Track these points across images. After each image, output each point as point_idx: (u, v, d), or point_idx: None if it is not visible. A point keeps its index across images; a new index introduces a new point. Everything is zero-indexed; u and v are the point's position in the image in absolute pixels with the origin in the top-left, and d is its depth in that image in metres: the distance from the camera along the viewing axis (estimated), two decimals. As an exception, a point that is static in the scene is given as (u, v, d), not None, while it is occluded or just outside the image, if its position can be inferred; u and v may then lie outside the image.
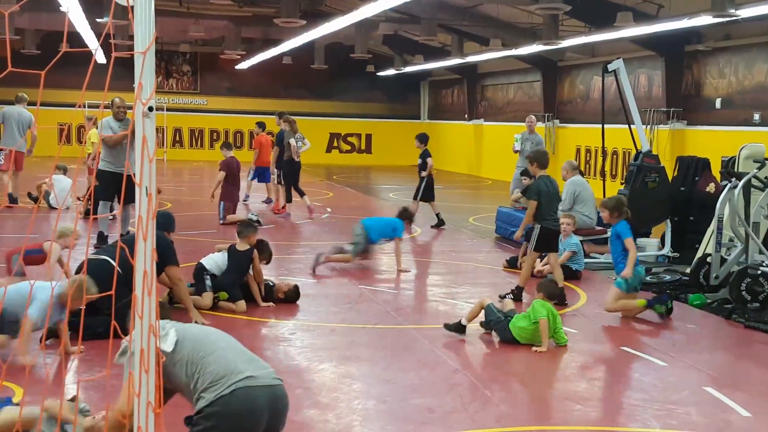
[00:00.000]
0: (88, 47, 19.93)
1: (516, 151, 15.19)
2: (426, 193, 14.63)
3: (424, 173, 14.55)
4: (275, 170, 16.08)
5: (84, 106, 24.50)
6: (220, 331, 4.20)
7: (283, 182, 15.53)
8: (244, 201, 16.51)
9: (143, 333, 2.40)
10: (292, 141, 15.03)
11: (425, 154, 14.59)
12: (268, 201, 16.81)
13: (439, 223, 14.51)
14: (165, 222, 7.71)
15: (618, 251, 8.32)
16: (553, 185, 9.09)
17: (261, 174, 16.66)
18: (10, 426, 4.07)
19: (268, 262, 8.72)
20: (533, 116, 15.48)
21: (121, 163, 10.36)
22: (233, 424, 3.74)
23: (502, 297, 8.39)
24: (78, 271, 6.57)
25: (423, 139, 14.85)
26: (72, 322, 6.24)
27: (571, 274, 10.00)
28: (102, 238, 10.75)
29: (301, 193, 15.16)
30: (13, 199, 14.48)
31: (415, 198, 14.69)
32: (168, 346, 3.76)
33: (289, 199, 15.34)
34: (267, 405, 3.85)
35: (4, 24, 19.99)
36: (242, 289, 8.22)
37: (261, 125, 17.01)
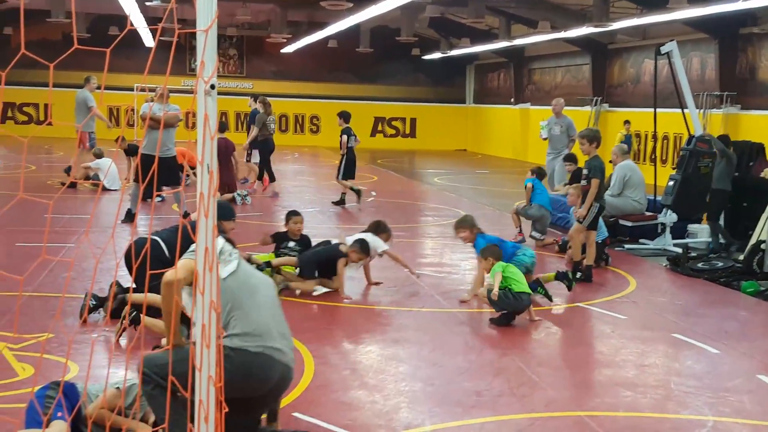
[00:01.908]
0: (137, 30, 20.16)
1: (544, 138, 14.85)
2: (347, 171, 14.61)
3: (342, 151, 14.59)
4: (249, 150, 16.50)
5: (142, 90, 24.72)
6: (273, 294, 4.31)
7: (260, 161, 15.92)
8: (243, 182, 16.72)
9: (204, 308, 2.42)
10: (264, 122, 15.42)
11: (344, 132, 14.61)
12: (244, 181, 16.94)
13: (357, 194, 14.50)
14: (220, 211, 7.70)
15: None
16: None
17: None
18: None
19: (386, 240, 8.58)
20: (561, 99, 15.16)
21: (162, 145, 10.81)
22: (241, 378, 3.87)
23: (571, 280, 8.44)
24: (129, 250, 6.69)
25: (342, 116, 14.86)
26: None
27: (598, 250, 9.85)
28: (129, 215, 11.38)
29: (272, 177, 15.60)
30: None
31: (336, 177, 14.76)
32: (224, 273, 3.82)
33: (260, 177, 15.82)
34: (276, 380, 4.08)
35: (57, 8, 20.28)
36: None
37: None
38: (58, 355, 5.69)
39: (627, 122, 21.71)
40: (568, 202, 9.91)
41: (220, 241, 3.91)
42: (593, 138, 9.32)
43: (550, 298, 7.99)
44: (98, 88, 15.43)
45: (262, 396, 4.13)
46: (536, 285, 7.96)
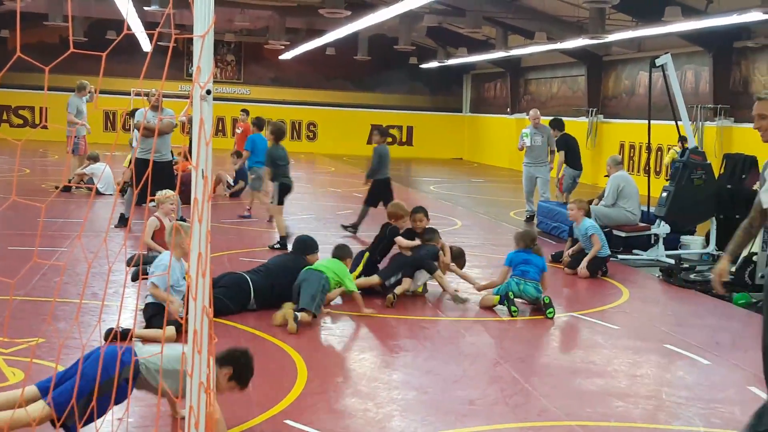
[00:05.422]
0: (134, 35, 20.16)
1: (522, 148, 15.03)
2: None
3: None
4: None
5: (138, 94, 24.71)
6: None
7: None
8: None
9: (197, 314, 2.42)
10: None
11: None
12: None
13: None
14: (302, 246, 7.93)
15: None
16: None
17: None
18: None
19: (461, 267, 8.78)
20: (537, 110, 15.37)
21: (156, 151, 11.01)
22: None
23: None
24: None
25: None
26: None
27: (598, 264, 9.92)
28: (123, 219, 11.42)
29: None
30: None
31: None
32: None
33: None
34: None
35: (54, 11, 20.29)
36: None
37: (246, 112, 18.12)
38: (49, 360, 5.65)
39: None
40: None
41: None
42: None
43: (511, 314, 7.87)
44: (90, 93, 15.42)
45: None
46: (504, 299, 7.97)
